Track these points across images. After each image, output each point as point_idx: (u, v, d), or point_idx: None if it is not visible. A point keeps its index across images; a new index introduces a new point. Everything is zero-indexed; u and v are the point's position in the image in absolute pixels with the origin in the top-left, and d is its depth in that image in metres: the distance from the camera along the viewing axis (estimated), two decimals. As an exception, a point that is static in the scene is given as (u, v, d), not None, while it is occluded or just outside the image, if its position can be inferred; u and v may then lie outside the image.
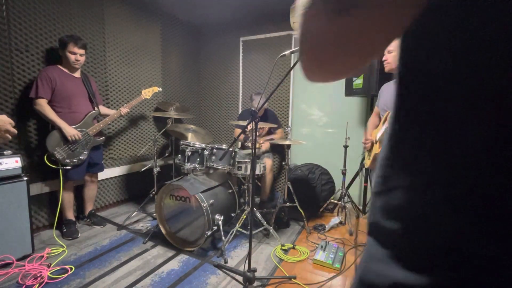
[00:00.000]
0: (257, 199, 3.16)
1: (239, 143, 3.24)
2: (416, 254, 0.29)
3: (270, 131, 3.15)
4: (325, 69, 0.33)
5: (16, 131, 0.78)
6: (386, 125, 1.75)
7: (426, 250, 0.29)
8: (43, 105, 2.15)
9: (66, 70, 2.30)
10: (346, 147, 2.77)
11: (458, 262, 0.26)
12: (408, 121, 0.32)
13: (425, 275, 0.28)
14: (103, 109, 2.59)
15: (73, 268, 1.91)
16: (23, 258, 1.98)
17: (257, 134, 1.88)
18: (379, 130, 1.82)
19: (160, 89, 2.90)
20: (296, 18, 0.32)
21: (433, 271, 0.28)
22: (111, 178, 3.05)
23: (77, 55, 2.26)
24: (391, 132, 0.34)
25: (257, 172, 2.46)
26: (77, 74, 2.38)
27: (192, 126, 2.81)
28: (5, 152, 1.95)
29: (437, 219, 0.28)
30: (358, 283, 0.35)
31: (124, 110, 2.57)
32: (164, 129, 2.78)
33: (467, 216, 0.26)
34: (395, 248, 0.31)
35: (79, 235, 2.38)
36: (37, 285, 1.71)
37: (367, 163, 1.98)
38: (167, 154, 3.38)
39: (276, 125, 2.79)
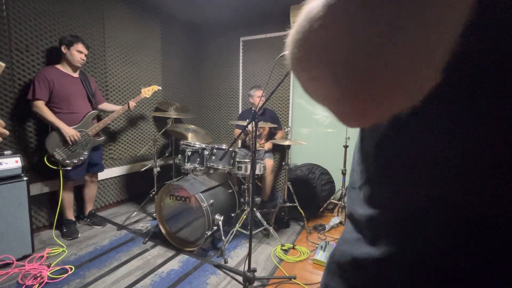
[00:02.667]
0: (257, 199, 3.16)
1: (239, 143, 3.24)
2: (381, 233, 0.33)
3: (272, 132, 3.15)
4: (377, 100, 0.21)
5: (7, 132, 0.77)
6: None
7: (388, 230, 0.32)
8: (40, 106, 2.13)
9: (64, 70, 2.28)
10: (346, 147, 2.77)
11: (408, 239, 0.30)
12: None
13: (380, 247, 0.32)
14: (108, 106, 2.61)
15: (73, 268, 1.91)
16: (23, 258, 1.98)
17: (257, 135, 1.87)
18: None
19: (160, 88, 2.89)
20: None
21: (384, 244, 0.31)
22: (111, 178, 3.05)
23: (82, 54, 2.30)
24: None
25: (257, 172, 2.46)
26: (76, 74, 2.36)
27: (192, 126, 2.80)
28: (5, 152, 1.95)
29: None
30: (330, 259, 0.42)
31: (132, 103, 2.60)
32: (164, 129, 2.78)
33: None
34: (365, 232, 0.35)
35: (79, 235, 2.37)
36: (37, 285, 1.71)
37: None
38: (167, 154, 3.38)
39: (276, 125, 2.79)
